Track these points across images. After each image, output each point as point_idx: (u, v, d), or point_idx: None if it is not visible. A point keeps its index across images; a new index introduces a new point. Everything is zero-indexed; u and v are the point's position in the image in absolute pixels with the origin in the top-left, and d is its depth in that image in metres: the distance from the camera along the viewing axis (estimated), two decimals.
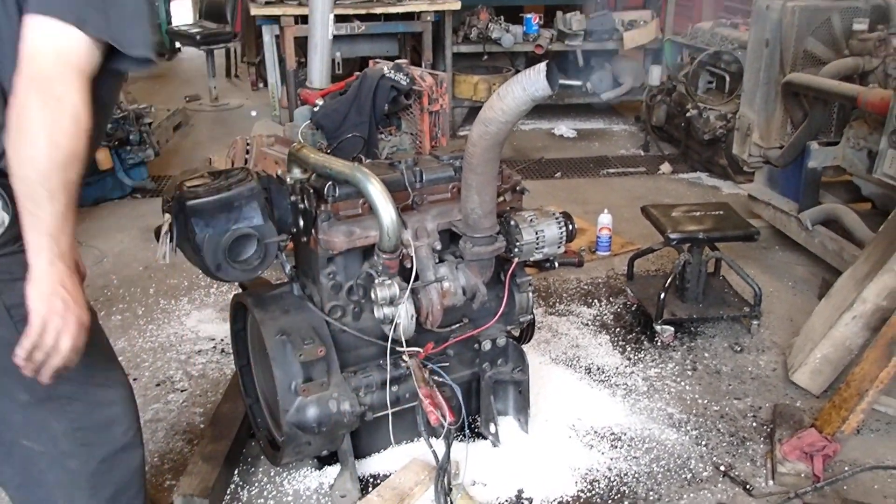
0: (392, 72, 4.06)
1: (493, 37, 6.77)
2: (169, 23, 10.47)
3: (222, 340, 3.54)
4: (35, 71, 1.44)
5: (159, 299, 3.95)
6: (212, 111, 7.92)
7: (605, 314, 3.81)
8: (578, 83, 7.26)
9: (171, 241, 2.37)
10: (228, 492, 2.61)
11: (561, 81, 2.15)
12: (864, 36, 4.11)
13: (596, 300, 3.95)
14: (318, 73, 4.51)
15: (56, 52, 1.44)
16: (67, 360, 1.56)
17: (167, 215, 2.35)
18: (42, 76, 1.44)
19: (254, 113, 7.66)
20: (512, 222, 2.55)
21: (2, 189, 1.56)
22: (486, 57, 7.03)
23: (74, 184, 1.51)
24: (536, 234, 2.54)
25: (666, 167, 6.07)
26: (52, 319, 1.53)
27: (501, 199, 2.60)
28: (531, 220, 2.57)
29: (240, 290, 2.68)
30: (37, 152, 1.44)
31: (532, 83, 2.04)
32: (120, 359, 3.35)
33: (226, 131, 6.97)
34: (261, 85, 8.66)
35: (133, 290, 4.05)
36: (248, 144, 4.38)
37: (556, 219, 2.60)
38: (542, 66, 2.02)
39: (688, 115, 5.78)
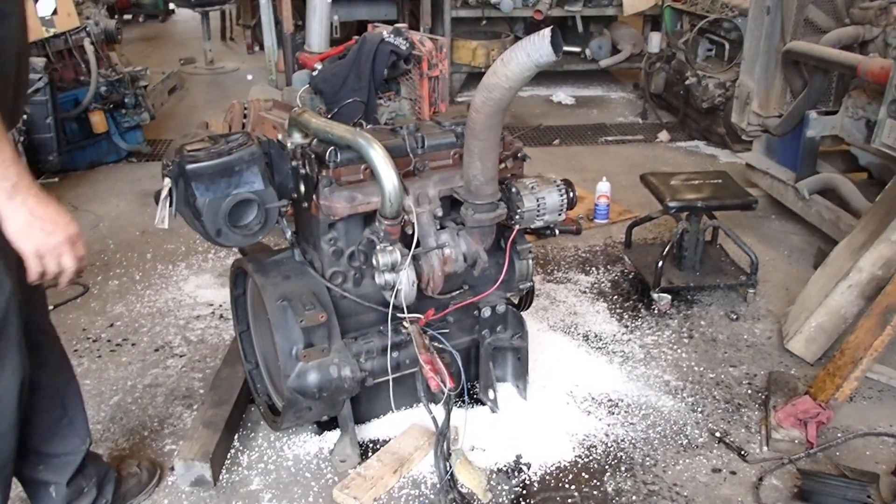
0: (391, 36, 4.02)
1: (492, 1, 6.72)
2: None
3: (220, 306, 3.55)
4: None
5: (157, 264, 3.95)
6: (207, 74, 7.85)
7: (603, 282, 3.82)
8: (577, 49, 7.21)
9: (170, 205, 2.36)
10: (229, 456, 2.63)
11: None
12: (865, 5, 4.09)
13: (594, 268, 3.96)
14: (317, 36, 4.47)
15: None
16: (78, 269, 1.63)
17: (167, 179, 2.34)
18: None
19: (250, 76, 7.60)
20: (513, 189, 2.55)
21: None
22: (484, 22, 6.97)
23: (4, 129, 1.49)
24: (538, 201, 2.54)
25: (664, 135, 6.06)
26: (43, 250, 1.57)
27: (503, 165, 2.60)
28: (532, 187, 2.56)
29: (238, 256, 2.68)
30: None
31: (536, 49, 2.02)
32: (118, 324, 3.39)
33: (222, 95, 6.93)
34: (256, 48, 8.58)
35: (130, 254, 4.04)
36: (245, 108, 4.35)
37: (558, 186, 2.60)
38: (547, 31, 2.00)
39: (687, 83, 5.76)
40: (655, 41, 6.46)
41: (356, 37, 4.28)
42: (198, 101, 6.95)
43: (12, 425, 1.87)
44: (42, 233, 1.57)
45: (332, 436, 2.68)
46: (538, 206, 2.55)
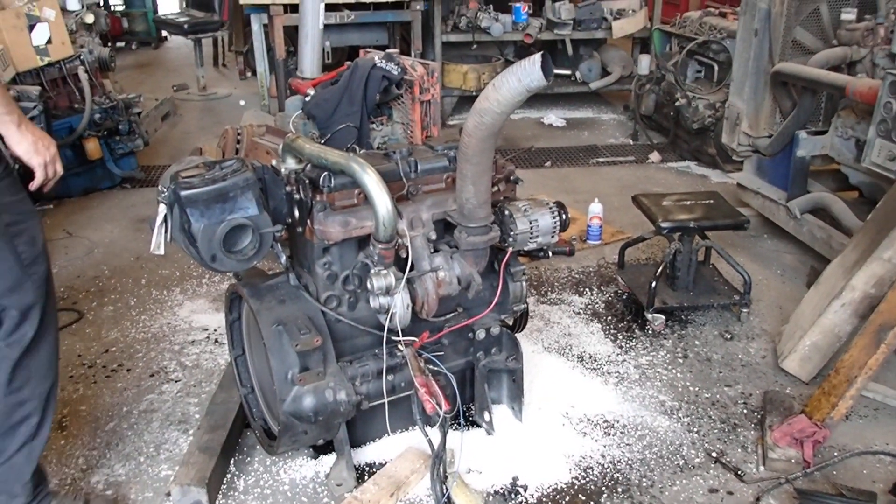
0: (383, 61, 4.06)
1: (482, 26, 6.77)
2: (155, 11, 10.40)
3: (215, 331, 3.54)
4: None
5: (151, 290, 3.95)
6: (200, 101, 7.88)
7: (597, 303, 3.83)
8: (567, 72, 7.27)
9: (165, 231, 2.37)
10: (225, 481, 2.62)
11: None
12: (853, 26, 4.13)
13: (587, 289, 3.97)
14: (310, 62, 4.50)
15: None
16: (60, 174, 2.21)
17: (161, 206, 2.35)
18: None
19: (242, 102, 7.63)
20: (506, 212, 2.56)
21: None
22: (475, 46, 7.02)
23: None
24: (531, 223, 2.56)
25: (655, 156, 6.10)
26: (46, 161, 2.14)
27: (495, 188, 2.62)
28: (525, 209, 2.58)
29: (233, 281, 2.68)
30: None
31: (527, 74, 2.05)
32: (113, 349, 3.38)
33: (215, 121, 6.95)
34: (249, 74, 8.62)
35: (125, 280, 4.04)
36: (238, 134, 4.37)
37: (550, 208, 2.62)
38: (537, 56, 2.02)
39: (677, 104, 5.81)
40: (645, 63, 6.53)
41: (348, 62, 4.31)
42: (191, 127, 6.97)
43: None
44: (44, 148, 2.14)
45: (328, 460, 2.68)
46: (531, 228, 2.56)
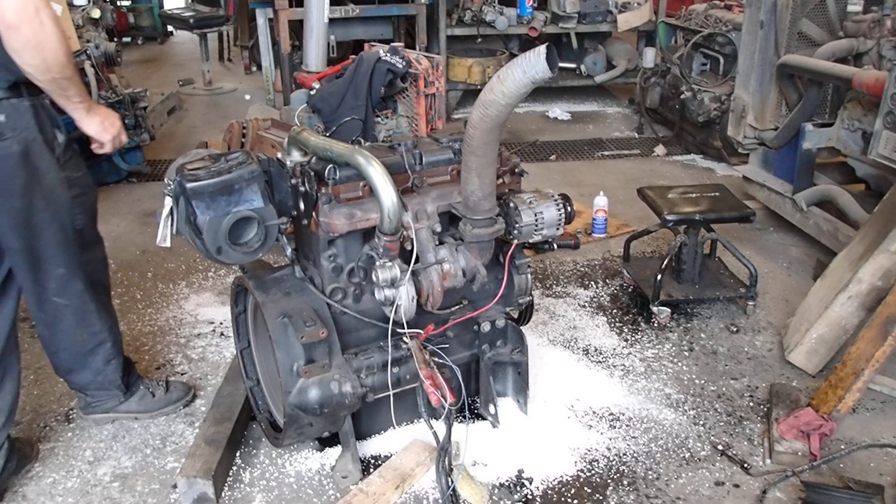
0: (388, 55, 4.05)
1: (487, 19, 6.76)
2: (161, 6, 10.41)
3: (221, 324, 3.55)
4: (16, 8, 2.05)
5: (157, 283, 3.96)
6: (205, 95, 7.89)
7: (602, 296, 3.83)
8: (572, 66, 7.25)
9: (171, 224, 2.38)
10: (231, 474, 2.63)
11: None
12: (859, 17, 4.12)
13: (592, 282, 3.97)
14: (315, 56, 4.50)
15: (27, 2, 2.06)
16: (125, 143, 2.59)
17: (167, 198, 2.35)
18: (26, 15, 2.05)
19: (248, 97, 7.64)
20: (511, 204, 2.56)
21: (51, 109, 2.36)
22: (480, 40, 7.02)
23: (75, 68, 2.26)
24: (535, 216, 2.56)
25: (660, 149, 6.08)
26: (113, 135, 2.49)
27: (500, 181, 2.61)
28: (530, 202, 2.58)
29: (238, 274, 2.69)
30: (56, 58, 2.14)
31: (532, 66, 2.04)
32: None
33: (220, 115, 6.96)
34: (254, 68, 8.63)
35: (131, 274, 4.05)
36: (244, 128, 4.38)
37: (555, 201, 2.61)
38: (542, 48, 2.02)
39: (682, 97, 5.80)
40: (650, 56, 6.52)
41: (353, 56, 4.31)
42: (197, 121, 6.98)
43: None
44: (110, 125, 2.47)
45: (334, 452, 2.68)
46: (536, 220, 2.56)
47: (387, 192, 2.24)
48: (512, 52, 7.19)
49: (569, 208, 2.63)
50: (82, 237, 2.54)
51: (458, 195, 2.51)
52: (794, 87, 4.22)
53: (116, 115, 2.52)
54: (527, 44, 7.28)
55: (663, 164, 5.84)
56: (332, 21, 4.95)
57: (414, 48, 5.97)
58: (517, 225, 2.54)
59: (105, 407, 2.85)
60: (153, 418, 2.90)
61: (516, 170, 2.72)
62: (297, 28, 6.18)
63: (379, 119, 4.18)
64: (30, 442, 2.77)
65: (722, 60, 5.75)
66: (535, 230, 2.57)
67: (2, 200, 2.32)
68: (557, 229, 2.62)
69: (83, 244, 2.55)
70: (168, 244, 2.46)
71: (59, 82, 2.21)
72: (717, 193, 3.77)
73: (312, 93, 4.21)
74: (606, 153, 6.09)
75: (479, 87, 6.77)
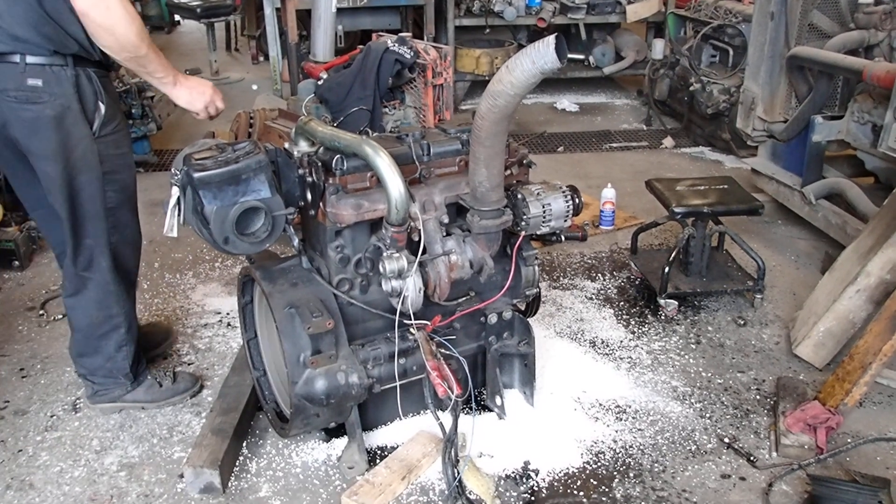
0: (396, 45, 4.04)
1: (495, 10, 6.73)
2: None
3: (228, 314, 3.55)
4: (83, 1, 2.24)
5: (164, 273, 3.96)
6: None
7: (609, 288, 3.82)
8: (581, 57, 7.22)
9: (178, 214, 2.38)
10: (237, 464, 2.63)
11: None
12: (870, 9, 4.08)
13: (600, 274, 3.96)
14: (322, 46, 4.49)
15: None
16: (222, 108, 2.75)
17: (174, 188, 2.35)
18: (93, 1, 2.24)
19: (255, 87, 7.62)
20: (519, 196, 2.55)
21: (98, 83, 2.43)
22: (488, 30, 7.00)
23: (150, 46, 2.41)
24: (543, 207, 2.55)
25: (668, 141, 6.06)
26: (205, 104, 2.65)
27: (508, 172, 2.60)
28: (538, 193, 2.57)
29: (245, 264, 2.69)
30: (127, 39, 2.32)
31: (541, 56, 2.03)
32: None
33: (227, 105, 6.88)
34: (261, 58, 8.61)
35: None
36: (251, 118, 4.37)
37: (563, 192, 2.60)
38: (551, 38, 2.01)
39: (691, 88, 5.76)
40: (659, 48, 6.48)
41: (361, 46, 4.30)
42: None
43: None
44: (200, 96, 2.63)
45: (340, 443, 2.68)
46: (544, 212, 2.55)
47: (394, 183, 2.23)
48: (520, 43, 7.16)
49: (577, 200, 2.62)
50: (115, 217, 2.59)
51: (465, 186, 2.51)
52: (804, 79, 4.19)
53: (206, 84, 2.66)
54: (535, 34, 7.24)
55: (671, 157, 5.82)
56: (339, 11, 4.94)
57: (422, 38, 5.95)
58: (525, 216, 2.53)
59: (112, 396, 2.86)
60: (160, 408, 2.91)
61: (524, 161, 2.71)
62: (304, 17, 6.17)
63: (386, 109, 4.18)
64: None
65: (731, 52, 5.72)
66: (543, 222, 2.56)
67: (37, 162, 2.45)
68: (565, 221, 2.62)
69: (116, 225, 2.61)
70: (175, 234, 2.46)
71: (137, 60, 2.40)
72: (726, 186, 3.75)
73: (320, 83, 4.20)
74: (614, 145, 6.06)
75: (486, 77, 6.75)
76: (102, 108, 2.43)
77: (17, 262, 3.95)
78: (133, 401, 2.88)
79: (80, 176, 2.46)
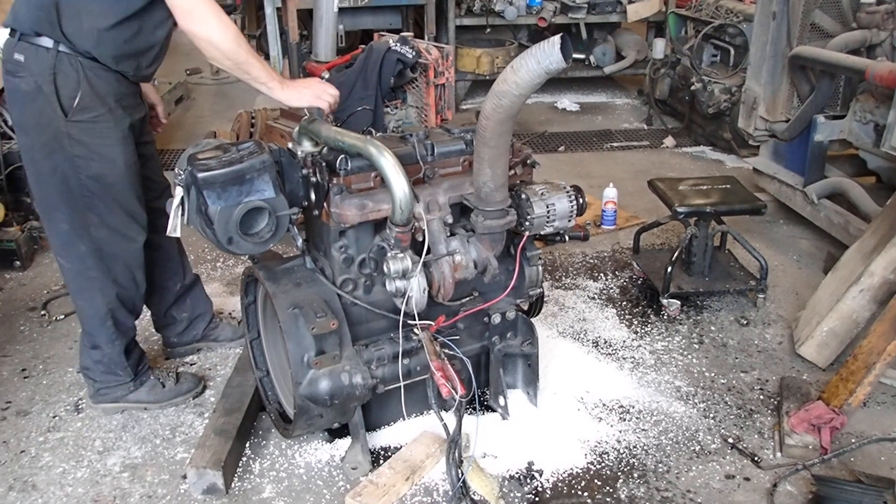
0: (398, 45, 4.03)
1: (496, 9, 6.73)
2: None
3: (230, 314, 3.54)
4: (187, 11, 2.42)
5: None
6: (213, 84, 7.86)
7: (612, 288, 3.82)
8: (581, 56, 7.22)
9: (182, 213, 2.37)
10: (240, 464, 2.63)
11: None
12: (872, 9, 4.08)
13: (602, 274, 3.96)
14: (324, 46, 4.48)
15: None
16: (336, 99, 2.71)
17: (178, 188, 2.35)
18: (197, 14, 2.43)
19: None
20: (523, 196, 2.55)
21: (87, 73, 2.43)
22: (488, 30, 6.99)
23: (249, 53, 2.53)
24: (547, 207, 2.55)
25: (669, 141, 6.06)
26: (311, 100, 2.63)
27: (512, 172, 2.60)
28: (542, 193, 2.57)
29: (249, 264, 2.68)
30: (226, 47, 2.48)
31: (546, 56, 2.02)
32: None
33: (228, 105, 6.94)
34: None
35: None
36: (252, 118, 4.36)
37: (567, 192, 2.60)
38: (557, 38, 2.00)
39: (692, 88, 5.76)
40: (660, 47, 6.47)
41: (362, 46, 4.29)
42: (204, 111, 6.97)
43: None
44: (308, 91, 2.66)
45: (343, 443, 2.68)
46: (548, 212, 2.55)
47: (399, 183, 2.23)
48: (521, 43, 7.16)
49: (580, 200, 2.62)
50: (95, 207, 2.56)
51: (469, 186, 2.50)
52: (806, 79, 4.19)
53: (310, 80, 2.72)
54: (536, 34, 7.25)
55: (672, 156, 5.81)
56: (340, 10, 4.93)
57: (422, 38, 5.94)
58: (529, 216, 2.53)
59: (114, 396, 2.85)
60: (163, 409, 2.90)
61: (528, 161, 2.71)
62: (304, 17, 6.16)
63: (388, 109, 4.17)
64: None
65: (732, 51, 5.71)
66: (548, 222, 2.56)
67: (16, 134, 2.60)
68: (569, 221, 2.61)
69: (100, 217, 2.58)
70: (178, 234, 2.46)
71: (240, 67, 2.52)
72: (728, 186, 3.75)
73: None
74: (615, 144, 6.06)
75: (487, 77, 6.75)
76: (79, 95, 2.43)
77: (18, 262, 3.94)
78: (136, 401, 2.88)
79: (53, 155, 2.48)
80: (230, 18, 2.52)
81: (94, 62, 2.44)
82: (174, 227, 2.41)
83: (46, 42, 2.39)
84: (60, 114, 2.42)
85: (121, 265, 2.70)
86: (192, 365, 3.19)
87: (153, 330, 3.37)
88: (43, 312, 3.56)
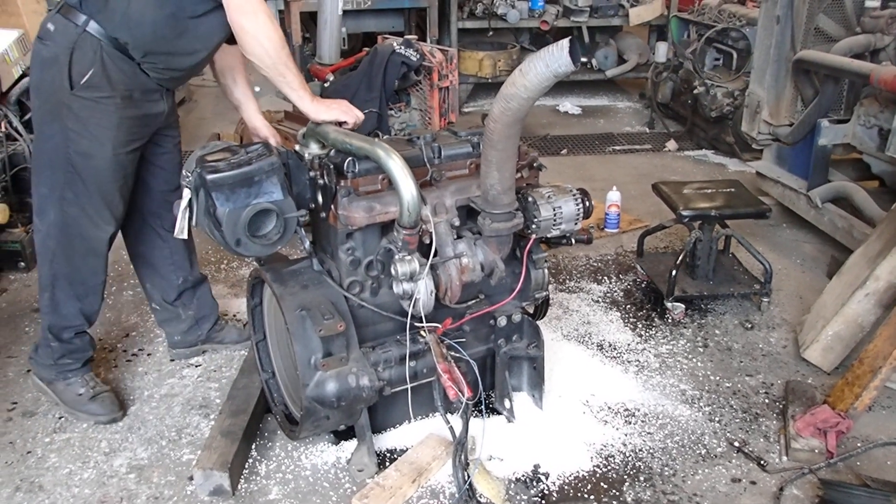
0: (402, 48, 4.04)
1: (498, 12, 6.74)
2: None
3: (234, 316, 3.55)
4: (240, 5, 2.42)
5: None
6: (215, 87, 7.78)
7: (616, 291, 3.82)
8: (584, 60, 7.22)
9: (189, 215, 2.38)
10: (247, 466, 2.63)
11: None
12: (876, 13, 4.09)
13: (606, 277, 3.96)
14: (328, 48, 4.48)
15: None
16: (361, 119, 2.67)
17: (186, 190, 2.35)
18: (249, 8, 2.42)
19: (258, 89, 7.57)
20: (530, 198, 2.55)
21: (106, 56, 2.47)
22: (491, 33, 7.00)
23: (290, 58, 2.53)
24: (554, 210, 2.55)
25: (672, 144, 6.07)
26: (336, 115, 2.56)
27: (519, 175, 2.60)
28: (549, 196, 2.57)
29: (255, 267, 2.69)
30: (267, 48, 2.44)
31: (555, 59, 2.03)
32: (133, 334, 3.39)
33: (230, 107, 6.87)
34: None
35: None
36: None
37: (573, 195, 2.60)
38: (565, 42, 2.01)
39: (695, 92, 5.77)
40: (662, 51, 6.48)
41: (365, 48, 4.30)
42: (207, 112, 6.97)
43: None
44: (335, 108, 2.59)
45: (350, 445, 2.68)
46: (555, 215, 2.55)
47: (407, 186, 2.23)
48: (523, 46, 7.17)
49: (587, 203, 2.62)
50: (74, 183, 2.58)
51: (476, 189, 2.51)
52: (809, 83, 4.20)
53: (339, 102, 2.67)
54: (538, 37, 7.26)
55: (675, 160, 5.82)
56: (344, 13, 4.94)
57: (425, 41, 5.95)
58: (536, 219, 2.53)
59: (42, 374, 2.90)
60: (70, 413, 2.86)
61: (534, 164, 2.72)
62: (307, 20, 6.16)
63: (392, 112, 4.17)
64: None
65: (735, 55, 5.72)
66: (554, 224, 2.56)
67: (31, 95, 2.64)
68: (575, 224, 2.62)
69: (76, 194, 2.60)
70: (185, 236, 2.47)
71: (277, 69, 2.49)
72: (733, 189, 3.75)
73: (326, 85, 4.20)
74: (617, 148, 6.07)
75: (489, 80, 6.76)
76: (90, 73, 2.47)
77: (23, 263, 3.94)
78: (53, 391, 2.89)
79: (52, 122, 2.53)
80: None
81: (118, 51, 2.47)
82: (182, 229, 2.42)
83: (78, 18, 2.44)
84: (67, 85, 2.47)
85: (81, 247, 2.70)
86: (196, 367, 3.18)
87: (156, 332, 3.38)
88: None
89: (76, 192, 2.60)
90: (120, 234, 2.86)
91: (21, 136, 4.06)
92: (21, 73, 4.27)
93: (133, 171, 2.71)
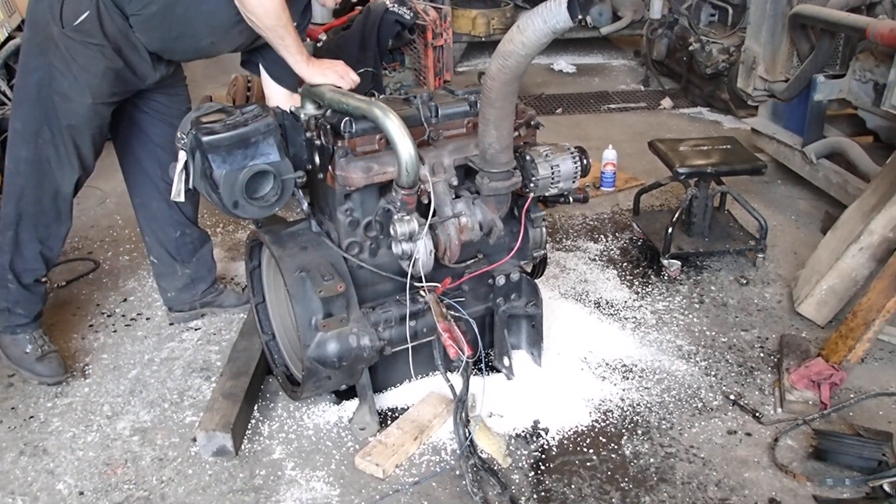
0: (395, 6, 4.00)
1: None
2: None
3: (232, 279, 3.55)
4: None
5: None
6: None
7: (612, 249, 3.83)
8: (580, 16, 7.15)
9: (186, 178, 2.37)
10: (249, 427, 2.65)
11: None
12: None
13: (602, 235, 3.97)
14: (320, 7, 4.42)
15: None
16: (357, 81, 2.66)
17: (182, 152, 2.34)
18: None
19: None
20: (528, 157, 2.55)
21: (107, 8, 2.48)
22: None
23: (289, 21, 2.51)
24: (552, 168, 2.55)
25: (667, 102, 6.04)
26: (334, 79, 2.58)
27: (516, 134, 2.59)
28: (547, 154, 2.57)
29: (253, 229, 2.68)
30: (267, 8, 2.43)
31: (553, 15, 2.01)
32: (131, 298, 3.40)
33: (220, 69, 6.85)
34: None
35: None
36: (248, 82, 4.33)
37: (571, 153, 2.60)
38: None
39: (690, 48, 5.73)
40: (657, 7, 6.41)
41: (359, 7, 4.25)
42: (197, 75, 6.87)
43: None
44: (330, 71, 2.61)
45: (351, 405, 2.70)
46: (553, 173, 2.55)
47: (404, 145, 2.22)
48: (516, 4, 7.09)
49: (585, 161, 2.62)
50: (51, 118, 2.57)
51: (474, 148, 2.50)
52: (806, 38, 4.17)
53: (336, 62, 2.69)
54: None
55: (670, 118, 5.80)
56: None
57: None
58: (534, 178, 2.53)
59: None
60: (14, 370, 2.87)
61: (532, 122, 2.70)
62: None
63: (386, 72, 4.14)
64: None
65: (731, 11, 5.66)
66: (552, 183, 2.56)
67: (24, 27, 2.65)
68: (573, 182, 2.62)
69: (49, 121, 2.58)
70: (182, 199, 2.46)
71: (276, 31, 2.50)
72: (729, 146, 3.75)
73: (319, 44, 4.16)
74: (612, 106, 6.04)
75: (483, 39, 6.70)
76: (83, 17, 2.45)
77: None
78: (2, 345, 2.87)
79: (38, 56, 2.53)
80: None
81: (115, 6, 2.47)
82: (178, 192, 2.41)
83: None
84: (58, 22, 2.46)
85: (50, 188, 2.68)
86: (196, 330, 3.19)
87: (155, 296, 3.38)
88: (44, 279, 3.55)
89: (52, 132, 2.59)
90: (123, 202, 2.88)
91: (9, 100, 4.00)
92: (7, 35, 4.20)
93: (107, 124, 2.71)
